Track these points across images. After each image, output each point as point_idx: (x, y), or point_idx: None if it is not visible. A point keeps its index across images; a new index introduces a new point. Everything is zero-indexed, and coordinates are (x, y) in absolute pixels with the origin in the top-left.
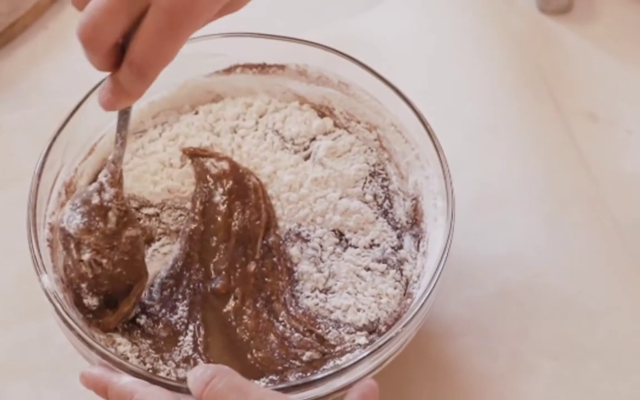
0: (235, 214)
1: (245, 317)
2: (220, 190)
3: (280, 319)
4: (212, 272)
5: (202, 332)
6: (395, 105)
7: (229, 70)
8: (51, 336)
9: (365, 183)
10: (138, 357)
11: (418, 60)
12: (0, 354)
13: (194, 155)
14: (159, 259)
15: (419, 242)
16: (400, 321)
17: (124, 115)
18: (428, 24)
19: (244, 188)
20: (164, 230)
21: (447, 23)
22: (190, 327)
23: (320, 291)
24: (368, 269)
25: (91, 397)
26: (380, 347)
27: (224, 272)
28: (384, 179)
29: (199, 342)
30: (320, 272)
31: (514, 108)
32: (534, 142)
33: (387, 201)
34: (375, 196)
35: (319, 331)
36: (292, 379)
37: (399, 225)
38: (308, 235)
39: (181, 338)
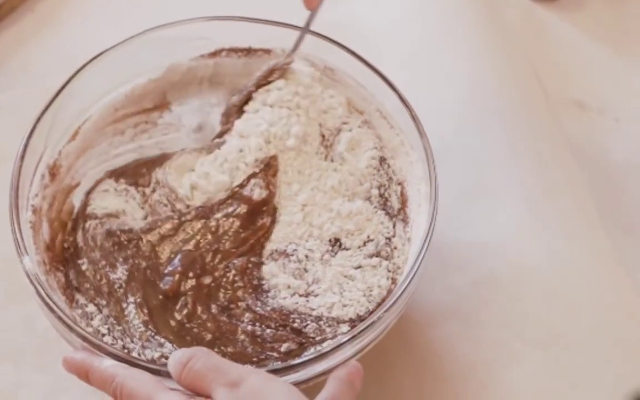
0: (221, 231)
1: (201, 321)
2: (231, 209)
3: (245, 319)
4: (164, 268)
5: (145, 311)
6: (381, 91)
7: (215, 54)
8: (35, 319)
9: (374, 176)
10: (105, 324)
11: (406, 46)
12: None
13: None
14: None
15: (404, 228)
16: (381, 307)
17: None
18: (416, 11)
19: (250, 220)
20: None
21: (436, 9)
22: (131, 299)
23: (301, 295)
24: (359, 267)
25: (75, 380)
26: (360, 332)
27: (177, 276)
28: (388, 166)
29: (148, 323)
30: (301, 279)
31: (502, 95)
32: (522, 130)
33: (387, 190)
34: (380, 187)
35: (295, 325)
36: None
37: (394, 213)
38: (294, 250)
39: (125, 307)
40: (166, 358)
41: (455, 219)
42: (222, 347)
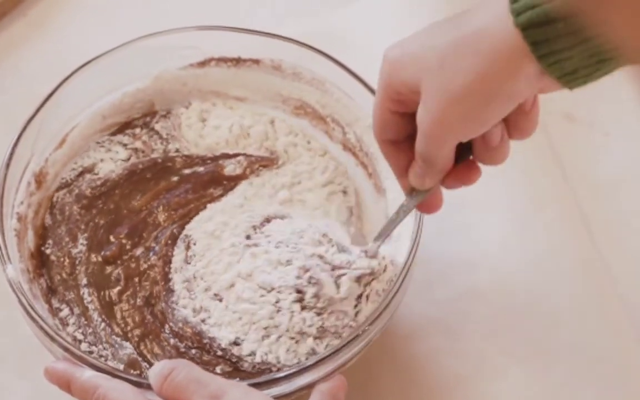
0: (179, 190)
1: (128, 307)
2: (202, 169)
3: (166, 330)
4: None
5: (94, 294)
6: (368, 103)
7: (203, 63)
8: (18, 325)
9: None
10: (79, 328)
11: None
12: None
13: None
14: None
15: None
16: (365, 320)
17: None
18: (406, 23)
19: (204, 186)
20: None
21: (427, 19)
22: (83, 280)
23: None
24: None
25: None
26: (344, 346)
27: (122, 240)
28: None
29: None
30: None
31: None
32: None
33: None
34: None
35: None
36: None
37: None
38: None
39: (82, 294)
40: (134, 360)
41: (439, 231)
42: (151, 348)
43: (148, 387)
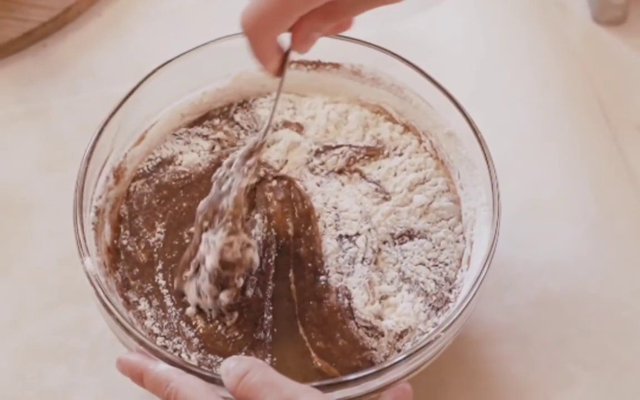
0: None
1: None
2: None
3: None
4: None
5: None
6: (447, 111)
7: None
8: (90, 322)
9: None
10: (157, 321)
11: (468, 64)
12: (40, 337)
13: None
14: None
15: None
16: (439, 326)
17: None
18: (479, 29)
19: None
20: None
21: (499, 28)
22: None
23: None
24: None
25: (128, 384)
26: (417, 351)
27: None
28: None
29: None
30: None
31: (562, 116)
32: (581, 151)
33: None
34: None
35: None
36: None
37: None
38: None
39: (158, 283)
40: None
41: (512, 238)
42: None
43: (221, 383)
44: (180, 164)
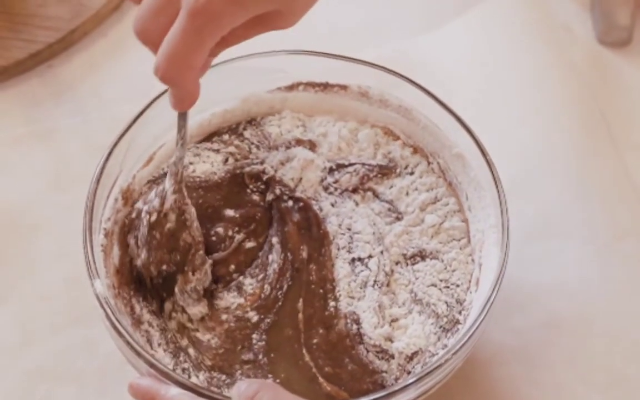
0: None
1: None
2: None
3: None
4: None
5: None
6: (454, 132)
7: (291, 87)
8: (98, 343)
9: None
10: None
11: (474, 85)
12: (48, 357)
13: None
14: None
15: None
16: (449, 349)
17: (182, 116)
18: (486, 49)
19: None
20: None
21: (505, 49)
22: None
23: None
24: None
25: None
26: (427, 374)
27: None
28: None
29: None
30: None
31: (569, 137)
32: (588, 173)
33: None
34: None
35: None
36: None
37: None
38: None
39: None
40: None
41: (520, 259)
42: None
43: None
44: (194, 171)
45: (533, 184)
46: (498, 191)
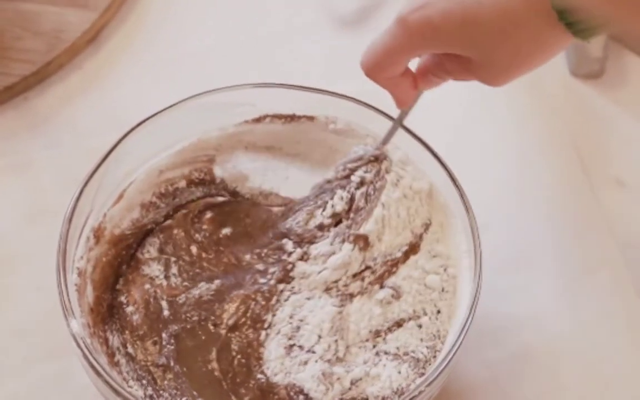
0: None
1: None
2: None
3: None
4: None
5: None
6: (424, 163)
7: (259, 120)
8: (72, 375)
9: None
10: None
11: (447, 117)
12: (21, 390)
13: None
14: None
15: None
16: (422, 381)
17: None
18: (460, 84)
19: None
20: None
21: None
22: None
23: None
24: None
25: None
26: None
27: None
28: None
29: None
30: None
31: (541, 169)
32: (561, 204)
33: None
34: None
35: None
36: None
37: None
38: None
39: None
40: None
41: (492, 291)
42: None
43: None
44: None
45: (505, 216)
46: (469, 219)
